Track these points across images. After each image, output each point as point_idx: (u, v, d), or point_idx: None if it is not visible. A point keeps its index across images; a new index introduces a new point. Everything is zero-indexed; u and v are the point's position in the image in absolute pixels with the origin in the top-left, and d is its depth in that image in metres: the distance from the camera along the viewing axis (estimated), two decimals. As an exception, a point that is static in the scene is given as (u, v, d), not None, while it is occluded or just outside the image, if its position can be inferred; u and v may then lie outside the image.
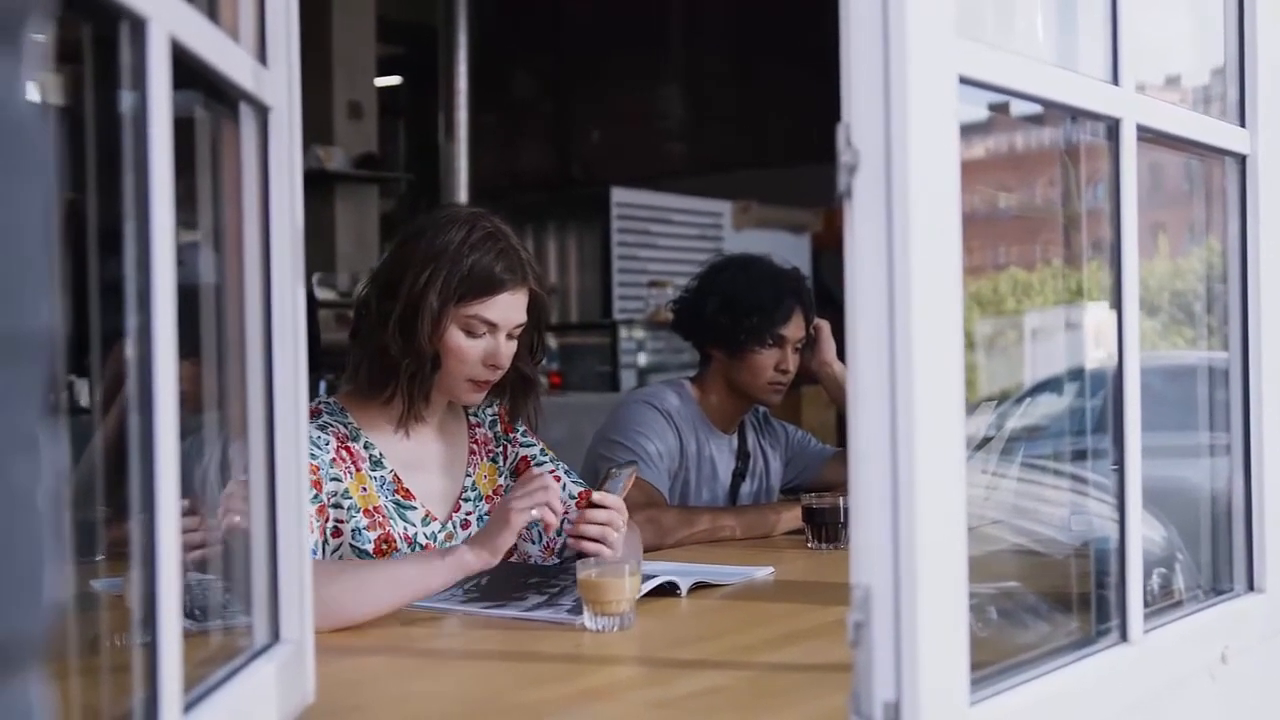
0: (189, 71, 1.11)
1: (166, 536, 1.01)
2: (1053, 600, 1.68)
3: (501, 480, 2.36)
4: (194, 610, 1.31)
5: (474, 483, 2.33)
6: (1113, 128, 1.51)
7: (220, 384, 1.36)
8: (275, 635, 1.35)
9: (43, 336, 0.60)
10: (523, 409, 2.33)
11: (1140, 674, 1.51)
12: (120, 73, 1.00)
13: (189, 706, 1.08)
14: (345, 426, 2.19)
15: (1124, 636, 1.50)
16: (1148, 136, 1.56)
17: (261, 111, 1.33)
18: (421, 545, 2.20)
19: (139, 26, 0.98)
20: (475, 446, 2.35)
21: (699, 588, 2.15)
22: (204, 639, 1.40)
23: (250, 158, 1.33)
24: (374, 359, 2.18)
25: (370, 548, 2.14)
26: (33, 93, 0.60)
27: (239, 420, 1.36)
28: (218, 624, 1.46)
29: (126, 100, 1.00)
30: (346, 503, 2.13)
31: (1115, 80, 1.50)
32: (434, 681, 1.66)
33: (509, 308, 2.18)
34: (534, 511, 1.97)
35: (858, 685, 1.17)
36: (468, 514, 2.30)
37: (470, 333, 2.16)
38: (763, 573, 2.32)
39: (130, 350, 1.00)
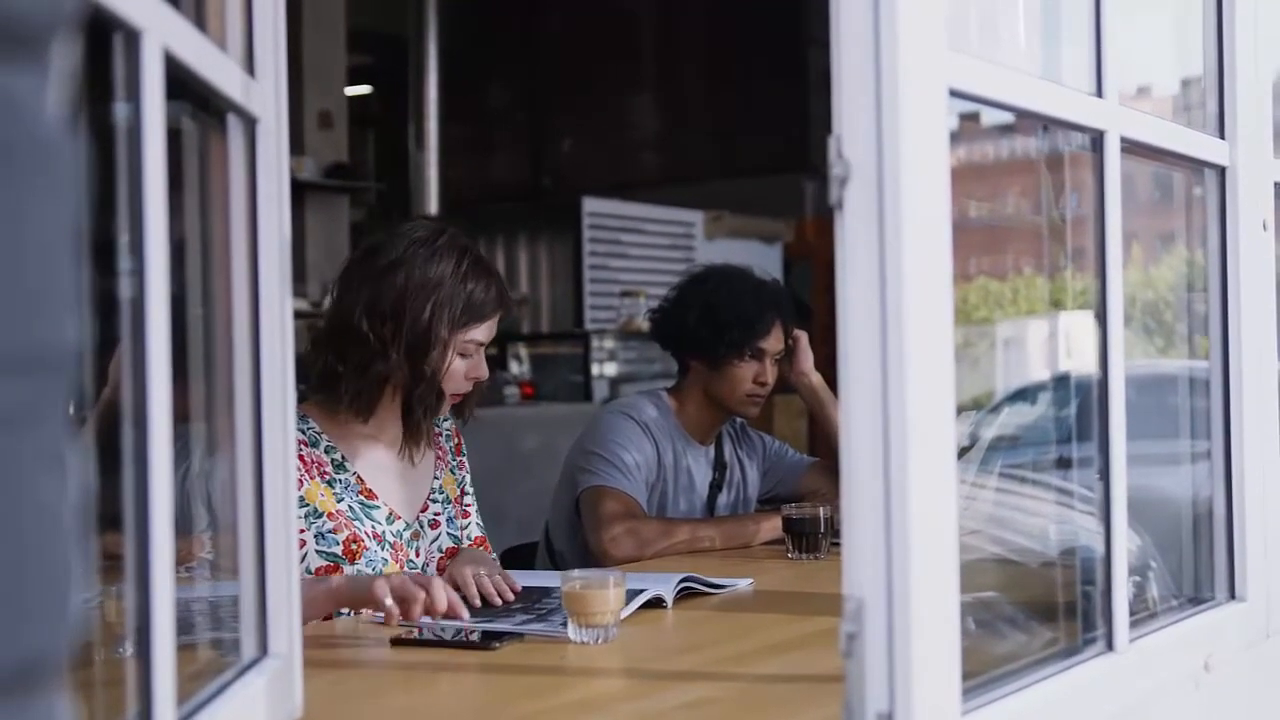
0: (178, 82, 1.10)
1: (160, 550, 1.00)
2: (1037, 610, 1.69)
3: (458, 490, 2.45)
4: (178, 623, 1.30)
5: (441, 485, 2.40)
6: (1097, 140, 1.52)
7: (207, 398, 1.35)
8: (263, 649, 1.35)
9: (69, 351, 0.60)
10: (472, 402, 2.39)
11: (1126, 682, 1.52)
12: (113, 83, 1.00)
13: (181, 722, 1.07)
14: (304, 432, 2.21)
15: (1110, 645, 1.50)
16: (1129, 148, 1.58)
17: (250, 123, 1.33)
18: (390, 543, 2.25)
19: (133, 38, 0.98)
20: (440, 452, 2.43)
21: (685, 595, 2.15)
22: (189, 652, 1.39)
23: (238, 169, 1.33)
24: (373, 384, 2.23)
25: (339, 549, 2.19)
26: (58, 107, 0.60)
27: (225, 434, 1.35)
28: (197, 638, 1.45)
29: (120, 111, 1.00)
30: (303, 510, 2.16)
31: (1099, 93, 1.51)
32: (421, 696, 1.66)
33: (494, 327, 2.32)
34: (388, 602, 1.89)
35: (850, 696, 1.17)
36: (435, 514, 2.37)
37: (463, 355, 2.27)
38: (744, 584, 2.33)
39: (123, 362, 1.00)
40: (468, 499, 2.47)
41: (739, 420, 3.16)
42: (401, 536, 2.28)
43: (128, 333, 0.99)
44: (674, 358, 3.12)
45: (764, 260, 7.40)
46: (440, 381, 2.25)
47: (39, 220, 0.58)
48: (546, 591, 2.16)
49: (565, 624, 1.86)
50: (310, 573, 2.15)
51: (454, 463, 2.46)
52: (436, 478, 2.40)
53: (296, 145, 7.09)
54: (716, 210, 8.14)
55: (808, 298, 6.96)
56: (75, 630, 0.60)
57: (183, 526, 1.45)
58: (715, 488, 3.09)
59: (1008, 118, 1.57)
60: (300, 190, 7.12)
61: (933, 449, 1.18)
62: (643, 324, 6.99)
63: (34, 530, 0.57)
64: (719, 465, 3.11)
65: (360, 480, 2.26)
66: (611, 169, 9.42)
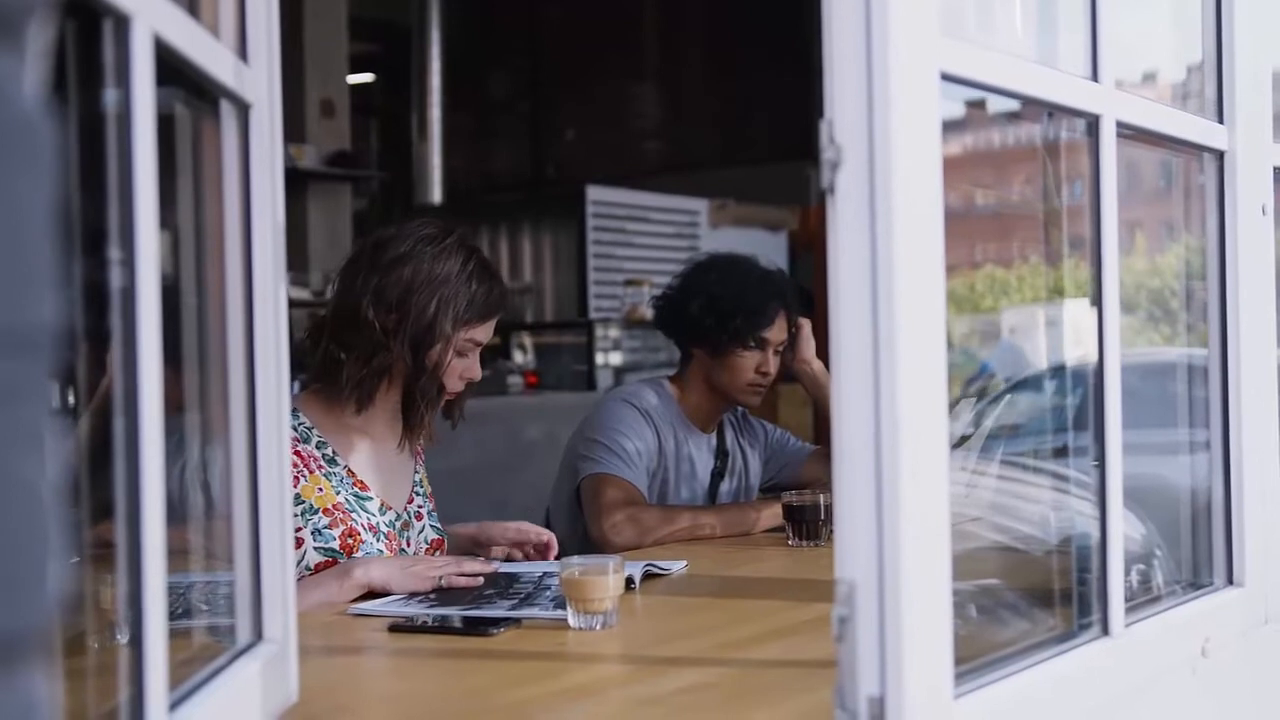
0: (170, 68, 1.10)
1: (151, 537, 1.00)
2: (1034, 596, 1.69)
3: (429, 486, 2.49)
4: (173, 609, 1.30)
5: (420, 480, 2.45)
6: (1092, 124, 1.51)
7: (201, 385, 1.36)
8: (258, 634, 1.35)
9: (48, 331, 0.61)
10: (461, 403, 2.41)
11: (1122, 667, 1.52)
12: (103, 69, 1.00)
13: (173, 705, 1.08)
14: (295, 429, 2.22)
15: (1105, 630, 1.51)
16: (1127, 133, 1.57)
17: (243, 109, 1.33)
18: (384, 534, 2.29)
19: (122, 23, 0.98)
20: (418, 449, 2.47)
21: (686, 583, 2.17)
22: (184, 638, 1.39)
23: (231, 155, 1.33)
24: (375, 375, 2.25)
25: (336, 544, 2.22)
26: (36, 89, 0.60)
27: (220, 421, 1.36)
28: (194, 623, 1.45)
29: (109, 97, 1.00)
30: (299, 507, 2.19)
31: (1095, 77, 1.51)
32: (418, 682, 1.66)
33: (492, 329, 2.35)
34: (442, 581, 2.13)
35: (842, 680, 1.17)
36: (419, 507, 2.42)
37: (461, 353, 2.30)
38: (678, 566, 2.36)
39: (114, 351, 1.00)
40: (417, 501, 2.49)
41: (741, 408, 3.16)
42: (394, 527, 2.32)
43: (118, 322, 0.99)
44: (677, 345, 3.12)
45: (769, 248, 7.40)
46: (441, 375, 2.27)
47: (16, 201, 0.58)
48: (515, 577, 2.20)
49: (553, 606, 1.87)
50: (310, 570, 2.17)
51: (424, 460, 2.51)
52: (417, 472, 2.45)
53: (298, 134, 7.10)
54: (721, 198, 8.14)
55: (812, 286, 6.95)
56: (55, 607, 0.61)
57: (184, 518, 1.46)
58: (717, 475, 3.09)
59: (1013, 105, 1.56)
60: (302, 179, 7.12)
61: (924, 433, 1.18)
62: (647, 313, 7.00)
63: (13, 507, 0.58)
64: (721, 453, 3.11)
65: (351, 473, 2.29)
66: (615, 157, 9.42)
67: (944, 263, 1.22)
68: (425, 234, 2.29)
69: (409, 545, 2.35)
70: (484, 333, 2.32)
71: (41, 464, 0.60)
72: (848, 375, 1.17)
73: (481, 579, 2.14)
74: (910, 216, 1.17)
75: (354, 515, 2.24)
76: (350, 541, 2.22)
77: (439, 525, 2.45)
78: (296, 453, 2.21)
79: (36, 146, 0.59)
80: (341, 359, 2.25)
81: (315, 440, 2.27)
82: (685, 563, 2.39)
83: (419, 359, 2.25)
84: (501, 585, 2.14)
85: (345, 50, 7.67)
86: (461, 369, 2.31)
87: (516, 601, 2.00)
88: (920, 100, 1.19)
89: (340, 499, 2.24)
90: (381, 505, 2.31)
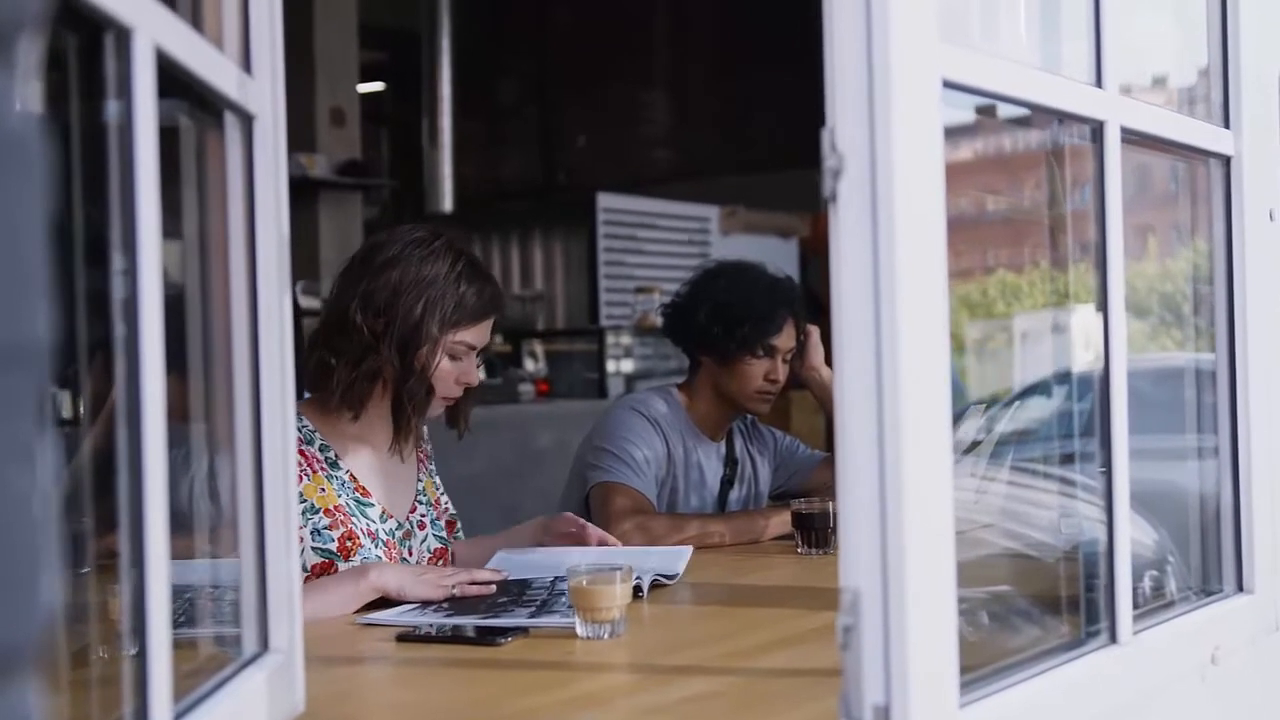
0: (173, 80, 1.10)
1: (155, 547, 1.00)
2: (1043, 602, 1.68)
3: (437, 493, 2.48)
4: (179, 618, 1.31)
5: (424, 489, 2.44)
6: (1097, 130, 1.51)
7: (207, 396, 1.36)
8: (264, 644, 1.35)
9: (39, 345, 0.61)
10: (465, 410, 2.41)
11: (1130, 675, 1.52)
12: (105, 81, 1.00)
13: (178, 716, 1.08)
14: (299, 431, 2.23)
15: (1113, 638, 1.50)
16: (1132, 138, 1.57)
17: (246, 120, 1.33)
18: (384, 541, 2.29)
19: (124, 36, 0.98)
20: (422, 457, 2.47)
21: (657, 586, 2.19)
22: (190, 648, 1.39)
23: (235, 166, 1.33)
24: (365, 379, 2.25)
25: (334, 546, 2.22)
26: (28, 103, 0.60)
27: (226, 431, 1.36)
28: (201, 632, 1.46)
29: (111, 109, 1.00)
30: (301, 505, 2.18)
31: (1099, 83, 1.51)
32: (424, 692, 1.66)
33: (487, 332, 2.34)
34: (455, 590, 2.11)
35: (847, 688, 1.17)
36: (422, 516, 2.41)
37: (453, 357, 2.29)
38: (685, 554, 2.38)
39: (117, 361, 1.00)
40: (420, 509, 2.48)
41: (750, 416, 3.16)
42: (394, 535, 2.32)
43: (121, 332, 1.00)
44: (685, 353, 3.12)
45: (780, 255, 7.39)
46: (429, 378, 2.26)
47: (8, 216, 0.58)
48: (527, 584, 2.19)
49: (572, 613, 1.87)
50: (306, 569, 2.17)
51: (430, 468, 2.50)
52: (420, 480, 2.44)
53: (309, 143, 7.10)
54: (731, 205, 8.13)
55: (823, 293, 6.94)
56: (47, 621, 0.61)
57: (193, 529, 1.47)
58: (727, 483, 3.09)
59: (1024, 110, 1.56)
60: (313, 188, 7.12)
61: (927, 441, 1.18)
62: (658, 320, 6.98)
63: (6, 520, 0.58)
64: (730, 461, 3.10)
65: (354, 478, 2.29)
66: (624, 164, 9.41)
67: (946, 270, 1.22)
68: (415, 237, 2.30)
69: (410, 554, 2.35)
70: (475, 335, 2.30)
71: (34, 477, 0.60)
72: (850, 383, 1.17)
73: (494, 587, 2.14)
74: (912, 224, 1.16)
75: (354, 519, 2.25)
76: (349, 545, 2.22)
77: (443, 535, 2.45)
78: (300, 453, 2.22)
79: (29, 161, 0.59)
80: (332, 364, 2.25)
81: (319, 443, 2.28)
82: (690, 548, 2.40)
83: (406, 361, 2.24)
84: (514, 593, 2.13)
85: (355, 59, 7.66)
86: (457, 373, 2.29)
87: (534, 609, 2.00)
88: (922, 107, 1.19)
89: (341, 501, 2.25)
90: (383, 513, 2.31)
